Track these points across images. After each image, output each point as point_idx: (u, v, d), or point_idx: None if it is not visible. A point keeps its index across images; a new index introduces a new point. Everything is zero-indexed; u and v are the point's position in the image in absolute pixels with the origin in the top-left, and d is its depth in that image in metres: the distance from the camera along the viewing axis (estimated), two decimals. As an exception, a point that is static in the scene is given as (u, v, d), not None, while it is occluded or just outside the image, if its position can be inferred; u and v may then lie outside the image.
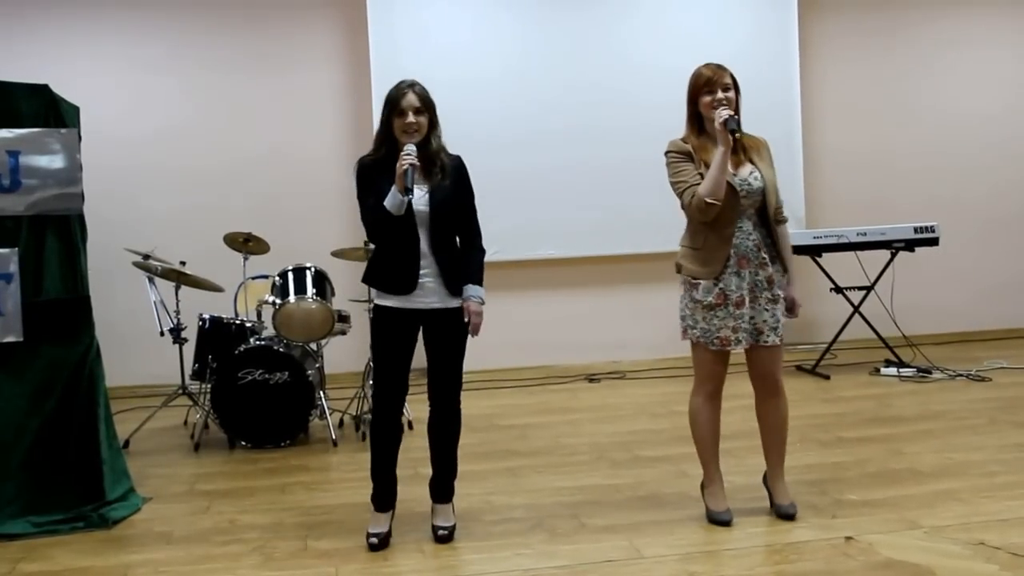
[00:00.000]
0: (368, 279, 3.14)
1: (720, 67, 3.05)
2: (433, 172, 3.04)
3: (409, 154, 2.90)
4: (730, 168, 3.01)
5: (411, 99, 2.99)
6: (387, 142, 3.03)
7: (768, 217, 3.09)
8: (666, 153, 3.12)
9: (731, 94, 3.01)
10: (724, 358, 3.13)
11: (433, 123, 3.05)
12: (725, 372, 3.16)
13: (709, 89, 3.01)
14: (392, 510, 3.18)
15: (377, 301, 3.11)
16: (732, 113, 2.96)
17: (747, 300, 3.06)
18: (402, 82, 3.05)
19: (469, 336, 3.11)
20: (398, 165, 2.89)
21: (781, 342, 3.14)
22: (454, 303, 3.06)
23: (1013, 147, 7.01)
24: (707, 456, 3.22)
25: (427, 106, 3.02)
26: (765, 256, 3.08)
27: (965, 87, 6.94)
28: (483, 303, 3.08)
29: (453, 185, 3.06)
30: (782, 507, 3.19)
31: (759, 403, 3.23)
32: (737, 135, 2.93)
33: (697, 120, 3.10)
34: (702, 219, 3.02)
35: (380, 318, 3.08)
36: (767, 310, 3.09)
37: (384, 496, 3.15)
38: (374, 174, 3.02)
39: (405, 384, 3.11)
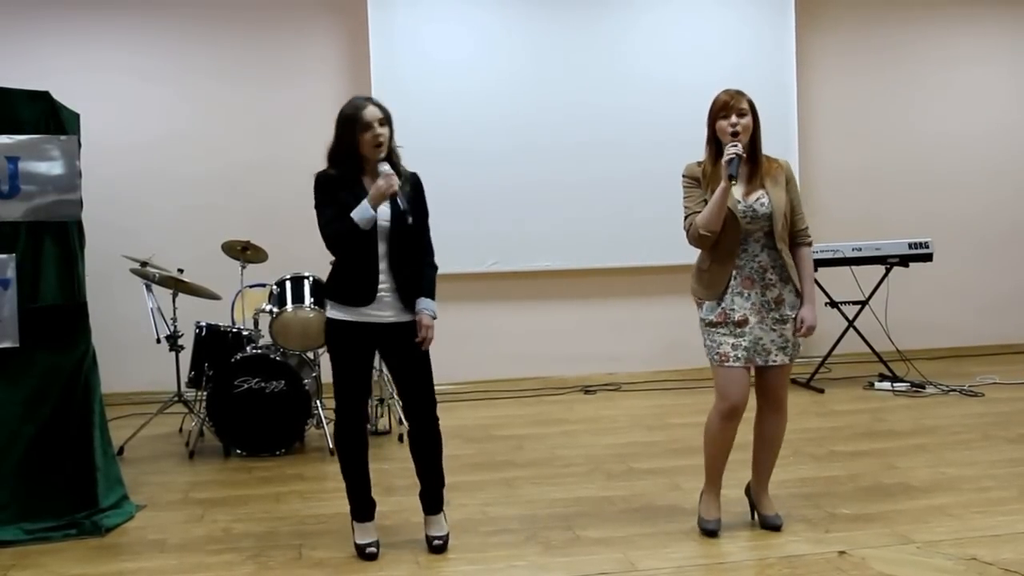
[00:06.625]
0: (326, 291, 3.10)
1: (738, 92, 3.07)
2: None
3: (390, 175, 2.90)
4: (738, 195, 3.04)
5: (374, 111, 2.96)
6: (349, 159, 3.00)
7: (776, 240, 3.10)
8: (682, 176, 3.17)
9: (747, 120, 3.03)
10: (737, 378, 3.07)
11: (392, 135, 3.03)
12: (742, 394, 3.08)
13: (725, 114, 3.04)
14: (375, 519, 3.18)
15: (331, 314, 3.06)
16: (739, 153, 2.97)
17: (752, 320, 3.07)
18: (356, 97, 3.04)
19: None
20: (382, 182, 2.89)
21: (791, 362, 3.15)
22: (408, 317, 3.05)
23: (1007, 164, 7.06)
24: (708, 468, 3.24)
25: (388, 118, 3.00)
26: (773, 278, 3.09)
27: (960, 104, 7.00)
28: (435, 317, 3.06)
29: (413, 201, 3.04)
30: (769, 518, 3.22)
31: (759, 417, 3.25)
32: (733, 182, 2.97)
33: (715, 144, 3.11)
34: (698, 247, 3.11)
35: (335, 332, 3.04)
36: (774, 330, 3.09)
37: (366, 506, 3.16)
38: (335, 186, 2.99)
39: (367, 394, 3.15)
